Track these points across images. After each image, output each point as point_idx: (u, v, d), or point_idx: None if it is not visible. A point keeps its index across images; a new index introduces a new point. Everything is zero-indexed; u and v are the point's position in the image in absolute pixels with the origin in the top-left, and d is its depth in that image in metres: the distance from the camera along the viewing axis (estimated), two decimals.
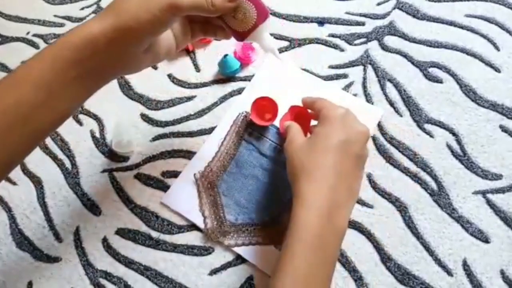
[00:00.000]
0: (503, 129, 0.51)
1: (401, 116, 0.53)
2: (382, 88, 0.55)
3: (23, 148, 0.35)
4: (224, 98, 0.56)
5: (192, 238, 0.48)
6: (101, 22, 0.34)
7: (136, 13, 0.34)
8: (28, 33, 0.66)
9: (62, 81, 0.34)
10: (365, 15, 0.61)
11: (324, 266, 0.37)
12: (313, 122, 0.47)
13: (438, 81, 0.55)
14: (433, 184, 0.49)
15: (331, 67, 0.57)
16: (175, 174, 0.52)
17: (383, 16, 0.60)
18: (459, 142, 0.51)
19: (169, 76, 0.59)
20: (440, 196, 0.48)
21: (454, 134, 0.51)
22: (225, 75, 0.58)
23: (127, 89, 0.59)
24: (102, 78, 0.37)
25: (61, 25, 0.66)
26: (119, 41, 0.34)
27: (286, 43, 0.60)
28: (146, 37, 0.36)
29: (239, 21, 0.39)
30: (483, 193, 0.48)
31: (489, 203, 0.48)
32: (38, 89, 0.33)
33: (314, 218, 0.37)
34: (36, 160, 0.55)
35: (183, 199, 0.50)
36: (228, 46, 0.59)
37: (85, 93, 0.37)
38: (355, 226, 0.47)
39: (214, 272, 0.47)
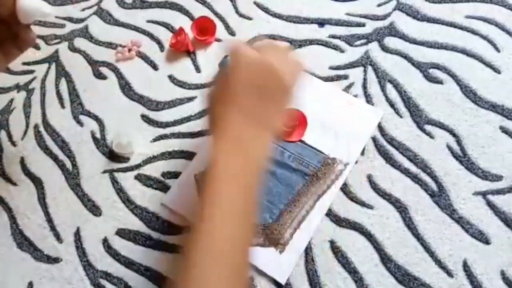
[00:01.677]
0: (503, 130, 0.51)
1: (401, 117, 0.53)
2: (382, 89, 0.55)
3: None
4: None
5: None
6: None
7: None
8: None
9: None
10: (365, 16, 0.61)
11: (244, 197, 0.37)
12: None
13: (438, 82, 0.55)
14: (433, 185, 0.49)
15: (332, 68, 0.57)
16: (175, 175, 0.52)
17: (383, 17, 0.60)
18: (459, 143, 0.51)
19: (170, 77, 0.59)
20: (440, 197, 0.48)
21: (454, 135, 0.51)
22: None
23: (127, 90, 0.59)
24: None
25: (62, 26, 0.66)
26: None
27: (286, 44, 0.60)
28: None
29: None
30: (483, 194, 0.48)
31: (489, 204, 0.48)
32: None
33: (223, 152, 0.37)
34: (37, 160, 0.55)
35: (184, 200, 0.50)
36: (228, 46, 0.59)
37: None
38: (356, 226, 0.47)
39: None
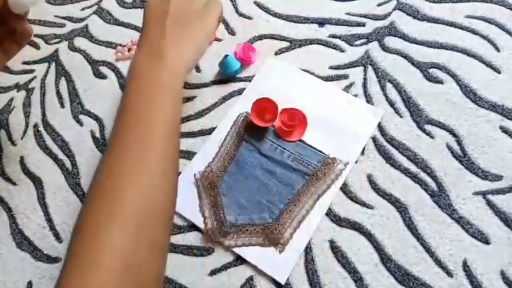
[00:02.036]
0: (503, 130, 0.51)
1: (401, 116, 0.53)
2: (383, 88, 0.55)
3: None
4: (224, 99, 0.56)
5: (192, 239, 0.48)
6: None
7: None
8: None
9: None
10: (365, 16, 0.61)
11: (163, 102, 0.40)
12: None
13: (439, 82, 0.55)
14: (433, 185, 0.49)
15: (332, 67, 0.57)
16: None
17: (383, 17, 0.60)
18: (459, 143, 0.51)
19: None
20: (440, 197, 0.48)
21: (454, 135, 0.51)
22: (225, 76, 0.58)
23: None
24: None
25: (62, 25, 0.66)
26: None
27: (286, 44, 0.60)
28: None
29: None
30: (484, 194, 0.48)
31: (490, 204, 0.48)
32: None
33: (139, 63, 0.42)
34: (36, 160, 0.55)
35: (183, 200, 0.50)
36: (228, 46, 0.59)
37: None
38: (355, 226, 0.47)
39: (214, 272, 0.47)
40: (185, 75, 0.43)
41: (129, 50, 0.62)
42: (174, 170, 0.39)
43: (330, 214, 0.48)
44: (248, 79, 0.57)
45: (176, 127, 0.41)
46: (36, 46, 0.65)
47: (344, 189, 0.49)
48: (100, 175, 0.36)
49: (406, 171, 0.50)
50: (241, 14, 0.63)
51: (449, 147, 0.51)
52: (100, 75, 0.61)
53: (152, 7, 0.44)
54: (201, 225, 0.48)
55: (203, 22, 0.46)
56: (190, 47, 0.44)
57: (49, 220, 0.51)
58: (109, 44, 0.63)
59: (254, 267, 0.46)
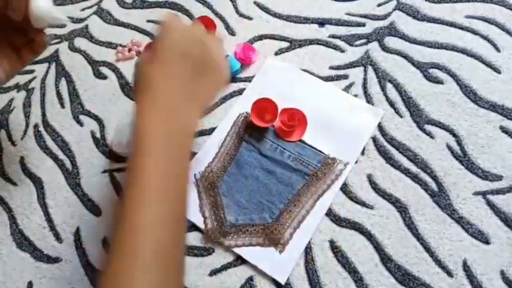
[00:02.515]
0: (503, 130, 0.51)
1: (401, 117, 0.53)
2: (383, 89, 0.55)
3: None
4: (224, 99, 0.56)
5: (192, 239, 0.48)
6: None
7: None
8: None
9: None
10: (365, 16, 0.61)
11: (173, 164, 0.37)
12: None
13: (439, 82, 0.55)
14: (433, 185, 0.49)
15: (332, 68, 0.57)
16: None
17: (383, 17, 0.60)
18: (459, 143, 0.51)
19: None
20: (440, 197, 0.48)
21: (454, 135, 0.51)
22: None
23: (127, 89, 0.59)
24: None
25: (62, 25, 0.66)
26: None
27: (286, 44, 0.60)
28: None
29: None
30: (483, 194, 0.48)
31: (489, 204, 0.48)
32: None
33: (152, 122, 0.37)
34: (37, 160, 0.55)
35: None
36: (228, 46, 0.59)
37: None
38: (356, 226, 0.47)
39: (214, 272, 0.47)
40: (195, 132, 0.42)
41: (129, 50, 0.62)
42: (183, 220, 0.38)
43: (330, 214, 0.48)
44: (248, 79, 0.57)
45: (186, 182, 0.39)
46: None
47: (344, 189, 0.49)
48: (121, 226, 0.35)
49: (406, 171, 0.50)
50: (241, 14, 0.63)
51: (449, 147, 0.51)
52: (100, 76, 0.61)
53: (170, 63, 0.40)
54: (201, 225, 0.48)
55: (216, 80, 0.43)
56: (203, 105, 0.42)
57: (49, 220, 0.51)
58: (109, 45, 0.63)
59: (254, 267, 0.46)
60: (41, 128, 0.58)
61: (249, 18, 0.63)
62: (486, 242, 0.46)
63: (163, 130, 0.37)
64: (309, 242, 0.47)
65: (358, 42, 0.59)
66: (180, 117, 0.39)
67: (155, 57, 0.40)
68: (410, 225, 0.47)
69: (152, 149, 0.36)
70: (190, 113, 0.40)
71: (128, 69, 0.61)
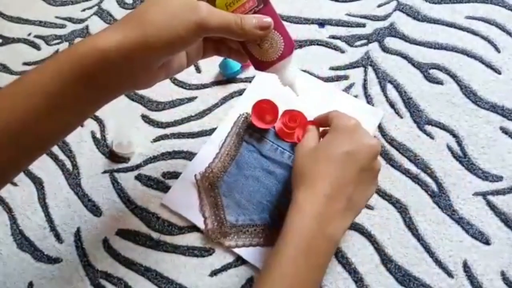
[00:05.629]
0: (504, 130, 0.51)
1: (401, 117, 0.53)
2: (383, 89, 0.55)
3: (25, 158, 0.34)
4: (224, 99, 0.57)
5: (192, 239, 0.48)
6: (116, 34, 0.31)
7: (158, 30, 0.30)
8: (29, 34, 0.66)
9: (68, 94, 0.31)
10: (365, 17, 0.61)
11: (312, 272, 0.36)
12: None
13: (439, 82, 0.55)
14: (433, 186, 0.49)
15: (332, 68, 0.57)
16: (175, 175, 0.52)
17: (383, 18, 0.60)
18: (459, 143, 0.51)
19: (170, 77, 0.59)
20: (440, 198, 0.48)
21: (454, 135, 0.51)
22: (226, 77, 0.58)
23: None
24: (111, 93, 0.34)
25: (63, 26, 0.66)
26: (134, 57, 0.31)
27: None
28: (166, 55, 0.33)
29: (264, 50, 0.37)
30: (484, 194, 0.48)
31: (490, 204, 0.48)
32: (43, 100, 0.31)
33: (307, 224, 0.36)
34: (37, 161, 0.55)
35: (184, 200, 0.50)
36: None
37: (93, 107, 0.34)
38: (356, 227, 0.47)
39: (214, 273, 0.47)
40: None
41: None
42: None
43: None
44: (249, 80, 0.57)
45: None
46: (36, 47, 0.65)
47: None
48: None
49: (406, 172, 0.50)
50: None
51: (449, 148, 0.51)
52: None
53: (342, 165, 0.39)
54: (201, 225, 0.48)
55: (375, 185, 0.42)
56: (357, 214, 0.40)
57: (49, 220, 0.51)
58: None
59: (255, 268, 0.46)
60: None
61: None
62: (486, 242, 0.46)
63: (312, 236, 0.36)
64: None
65: (358, 43, 0.59)
66: (332, 227, 0.37)
67: (321, 151, 0.40)
68: (410, 226, 0.47)
69: (295, 243, 0.36)
70: (345, 225, 0.39)
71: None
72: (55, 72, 0.31)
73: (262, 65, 0.38)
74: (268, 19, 0.35)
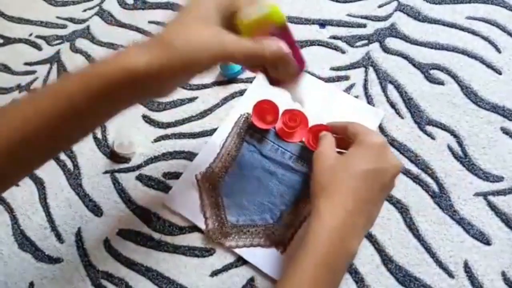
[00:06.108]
0: (504, 131, 0.51)
1: (402, 118, 0.53)
2: (383, 90, 0.55)
3: (38, 159, 0.35)
4: (225, 100, 0.57)
5: (193, 239, 0.48)
6: (145, 56, 0.32)
7: (187, 54, 0.32)
8: (31, 34, 0.66)
9: (93, 106, 0.32)
10: (366, 17, 0.61)
11: (331, 283, 0.37)
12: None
13: (439, 83, 0.55)
14: (434, 186, 0.49)
15: (333, 69, 0.57)
16: (176, 175, 0.52)
17: (384, 18, 0.60)
18: (460, 144, 0.51)
19: None
20: (441, 198, 0.48)
21: (455, 136, 0.51)
22: (226, 77, 0.58)
23: None
24: (132, 105, 0.36)
25: (64, 26, 0.67)
26: (161, 78, 0.33)
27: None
28: (189, 79, 0.35)
29: (278, 71, 0.38)
30: (484, 195, 0.48)
31: (490, 205, 0.48)
32: (68, 107, 0.32)
33: (327, 237, 0.37)
34: None
35: (185, 200, 0.50)
36: None
37: (112, 117, 0.36)
38: None
39: (215, 273, 0.47)
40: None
41: None
42: None
43: None
44: (249, 80, 0.57)
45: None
46: (37, 47, 0.65)
47: None
48: None
49: (407, 172, 0.50)
50: None
51: (450, 148, 0.51)
52: None
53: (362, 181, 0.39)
54: (202, 226, 0.48)
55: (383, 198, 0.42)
56: (371, 226, 0.40)
57: (50, 221, 0.51)
58: (111, 46, 0.64)
59: (255, 268, 0.46)
60: None
61: None
62: (487, 243, 0.46)
63: (333, 249, 0.37)
64: None
65: (359, 43, 0.59)
66: (351, 241, 0.38)
67: (345, 165, 0.40)
68: (411, 226, 0.47)
69: (315, 253, 0.36)
70: (361, 240, 0.39)
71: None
72: (82, 84, 0.32)
73: (275, 82, 0.40)
74: (287, 49, 0.37)
